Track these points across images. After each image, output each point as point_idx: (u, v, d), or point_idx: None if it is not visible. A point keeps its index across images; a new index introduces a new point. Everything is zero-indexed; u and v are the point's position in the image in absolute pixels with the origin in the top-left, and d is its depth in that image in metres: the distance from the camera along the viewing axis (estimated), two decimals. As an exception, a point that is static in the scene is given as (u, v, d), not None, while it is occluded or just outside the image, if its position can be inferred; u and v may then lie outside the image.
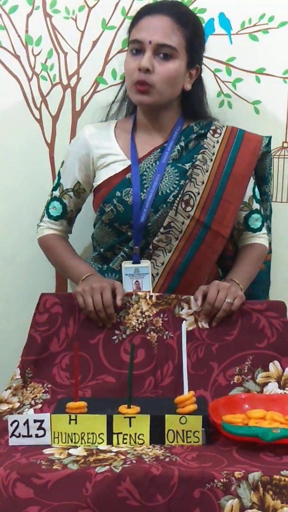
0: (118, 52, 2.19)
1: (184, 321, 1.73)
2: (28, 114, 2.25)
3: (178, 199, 1.95)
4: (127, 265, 1.96)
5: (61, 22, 2.21)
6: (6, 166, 2.27)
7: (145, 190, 1.96)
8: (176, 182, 1.96)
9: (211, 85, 2.14)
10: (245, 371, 1.78)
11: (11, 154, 2.27)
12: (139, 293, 1.88)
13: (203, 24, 2.10)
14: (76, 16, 2.20)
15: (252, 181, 2.05)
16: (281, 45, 2.19)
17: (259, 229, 2.10)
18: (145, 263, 1.95)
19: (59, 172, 2.09)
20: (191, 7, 2.11)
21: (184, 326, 1.61)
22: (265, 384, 1.77)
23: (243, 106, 2.22)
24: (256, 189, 2.08)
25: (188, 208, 1.95)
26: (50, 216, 2.09)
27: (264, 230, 2.11)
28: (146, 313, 1.85)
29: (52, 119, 2.25)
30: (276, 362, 1.79)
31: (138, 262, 1.96)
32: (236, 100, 2.22)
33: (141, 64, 1.89)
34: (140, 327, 1.84)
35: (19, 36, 2.21)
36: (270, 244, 2.15)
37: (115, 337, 1.83)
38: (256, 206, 2.07)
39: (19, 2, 2.19)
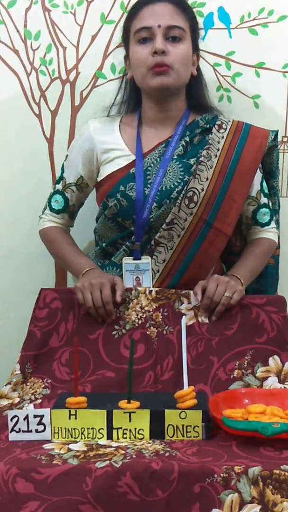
0: (117, 47, 2.19)
1: (183, 316, 1.74)
2: (27, 109, 2.24)
3: (181, 195, 1.93)
4: (127, 261, 1.96)
5: (60, 16, 2.20)
6: (5, 161, 2.27)
7: (148, 186, 1.95)
8: (180, 177, 1.95)
9: (211, 79, 2.14)
10: (245, 365, 1.78)
11: (10, 149, 2.26)
12: (139, 288, 1.88)
13: (202, 18, 2.12)
14: (75, 11, 2.20)
15: (259, 175, 2.04)
16: (280, 39, 2.19)
17: (268, 224, 2.07)
18: (146, 260, 1.95)
19: (62, 166, 2.09)
20: (190, 1, 2.11)
21: (184, 321, 1.61)
22: (265, 378, 1.77)
23: (242, 101, 2.21)
24: (264, 183, 2.06)
25: (192, 205, 1.94)
26: (52, 209, 2.09)
27: (273, 224, 2.09)
28: (146, 308, 1.85)
29: (51, 114, 2.25)
30: (276, 356, 1.79)
31: (139, 258, 1.95)
32: (235, 94, 2.22)
33: (156, 47, 1.89)
34: (140, 322, 1.84)
35: (17, 30, 2.21)
36: (278, 238, 2.13)
37: (114, 332, 1.83)
38: (264, 200, 2.06)
39: (17, -4, 2.19)
